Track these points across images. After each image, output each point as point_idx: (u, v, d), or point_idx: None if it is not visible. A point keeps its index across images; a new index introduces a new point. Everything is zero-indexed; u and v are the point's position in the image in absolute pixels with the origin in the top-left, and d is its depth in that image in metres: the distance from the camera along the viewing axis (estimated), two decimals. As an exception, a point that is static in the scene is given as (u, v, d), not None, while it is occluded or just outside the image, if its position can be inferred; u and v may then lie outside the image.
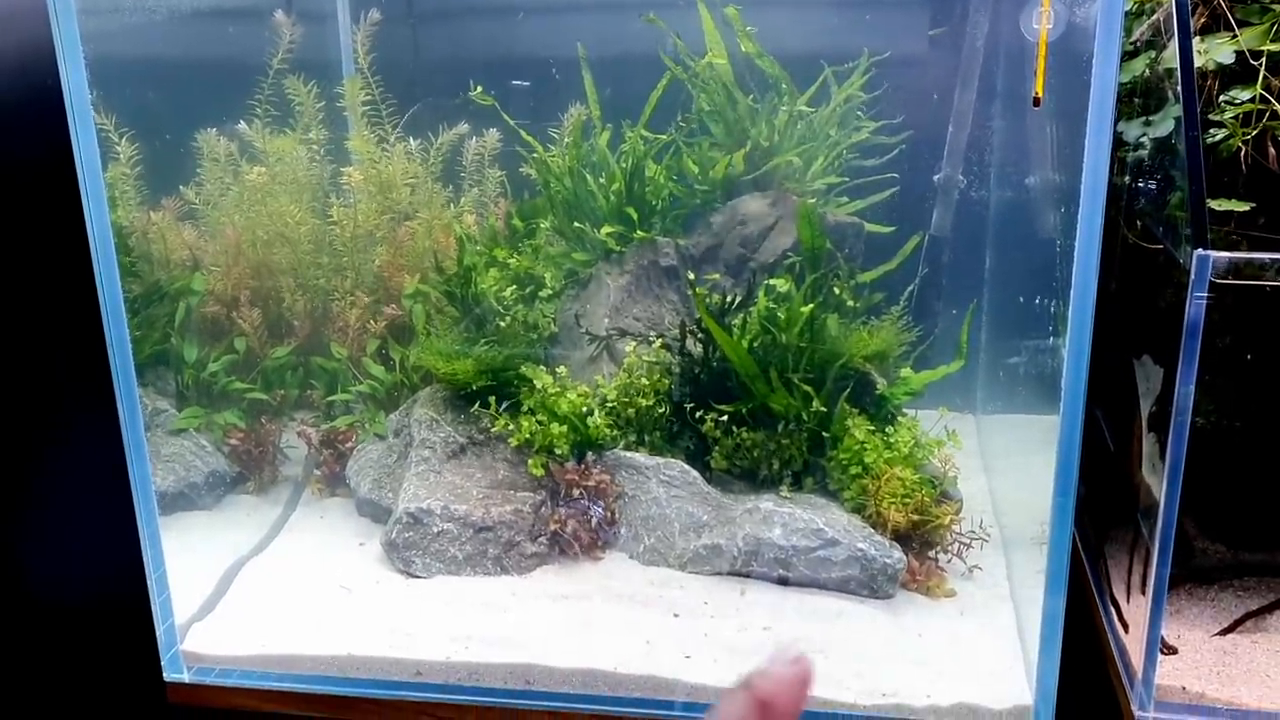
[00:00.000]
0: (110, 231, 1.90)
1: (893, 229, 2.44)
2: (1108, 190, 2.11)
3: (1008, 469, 2.37)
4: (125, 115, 2.36)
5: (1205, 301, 1.64)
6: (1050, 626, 1.77)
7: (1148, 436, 1.94)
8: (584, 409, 2.23)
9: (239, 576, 2.22)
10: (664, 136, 2.48)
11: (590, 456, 2.23)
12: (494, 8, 2.61)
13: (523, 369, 2.29)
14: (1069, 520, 1.73)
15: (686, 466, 2.19)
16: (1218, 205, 1.90)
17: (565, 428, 2.21)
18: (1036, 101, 1.68)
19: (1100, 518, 2.16)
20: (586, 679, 1.92)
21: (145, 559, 2.04)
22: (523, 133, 2.47)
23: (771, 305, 2.23)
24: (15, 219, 2.09)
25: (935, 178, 2.46)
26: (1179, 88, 1.77)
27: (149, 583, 2.04)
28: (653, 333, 2.33)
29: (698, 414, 2.23)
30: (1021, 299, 2.15)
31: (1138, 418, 1.99)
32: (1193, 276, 1.63)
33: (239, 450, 2.48)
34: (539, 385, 2.25)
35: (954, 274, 2.48)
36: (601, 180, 2.44)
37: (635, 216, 2.41)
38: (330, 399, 2.54)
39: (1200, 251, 1.62)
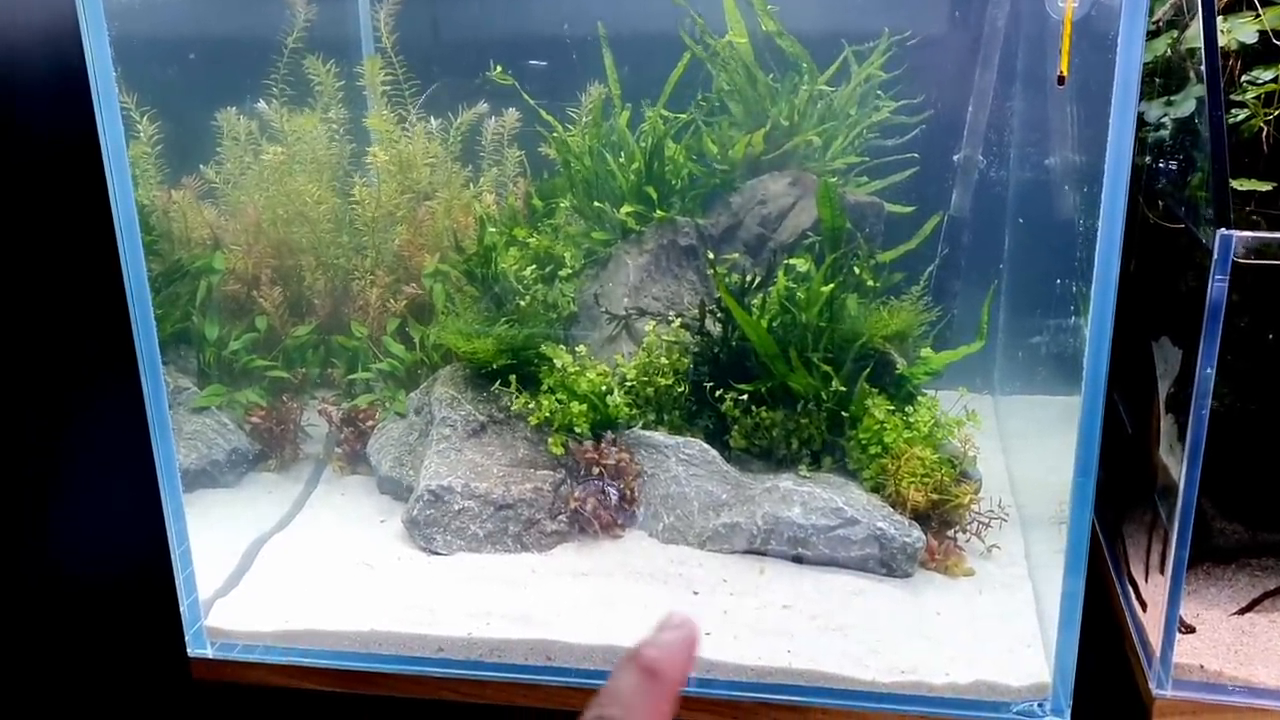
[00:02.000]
0: (135, 210, 1.92)
1: (913, 209, 2.45)
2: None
3: (1026, 449, 2.38)
4: (147, 94, 2.37)
5: (1227, 282, 1.64)
6: (1069, 605, 1.78)
7: (1166, 417, 1.95)
8: (603, 388, 2.24)
9: (261, 553, 2.24)
10: (684, 116, 2.49)
11: (610, 435, 2.24)
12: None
13: (543, 348, 2.30)
14: (1089, 500, 1.73)
15: (705, 445, 2.20)
16: (1239, 185, 1.89)
17: (585, 406, 2.22)
18: (1061, 80, 1.68)
19: (1118, 498, 2.16)
20: (607, 655, 1.93)
21: (169, 536, 2.05)
22: (542, 112, 2.48)
23: (791, 285, 2.24)
24: (40, 197, 2.11)
25: (955, 158, 2.46)
26: (1202, 67, 1.76)
27: (173, 559, 2.06)
28: (672, 312, 2.34)
29: (717, 393, 2.24)
30: (1041, 280, 2.15)
31: (1156, 399, 1.99)
32: (1215, 257, 1.63)
33: (260, 428, 2.50)
34: (559, 364, 2.27)
35: (974, 254, 2.49)
36: (621, 160, 2.45)
37: (655, 196, 2.41)
38: (351, 377, 2.55)
39: (1223, 231, 1.62)
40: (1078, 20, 1.71)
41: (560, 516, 2.21)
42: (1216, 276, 1.64)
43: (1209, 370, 1.67)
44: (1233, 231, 1.63)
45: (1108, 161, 1.59)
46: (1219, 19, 2.00)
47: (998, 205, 2.46)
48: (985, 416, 2.50)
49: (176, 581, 2.06)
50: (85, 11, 1.79)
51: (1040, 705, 1.83)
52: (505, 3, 2.63)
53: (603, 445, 2.22)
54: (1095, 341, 1.68)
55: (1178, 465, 1.75)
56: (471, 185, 2.61)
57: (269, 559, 2.22)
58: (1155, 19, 2.15)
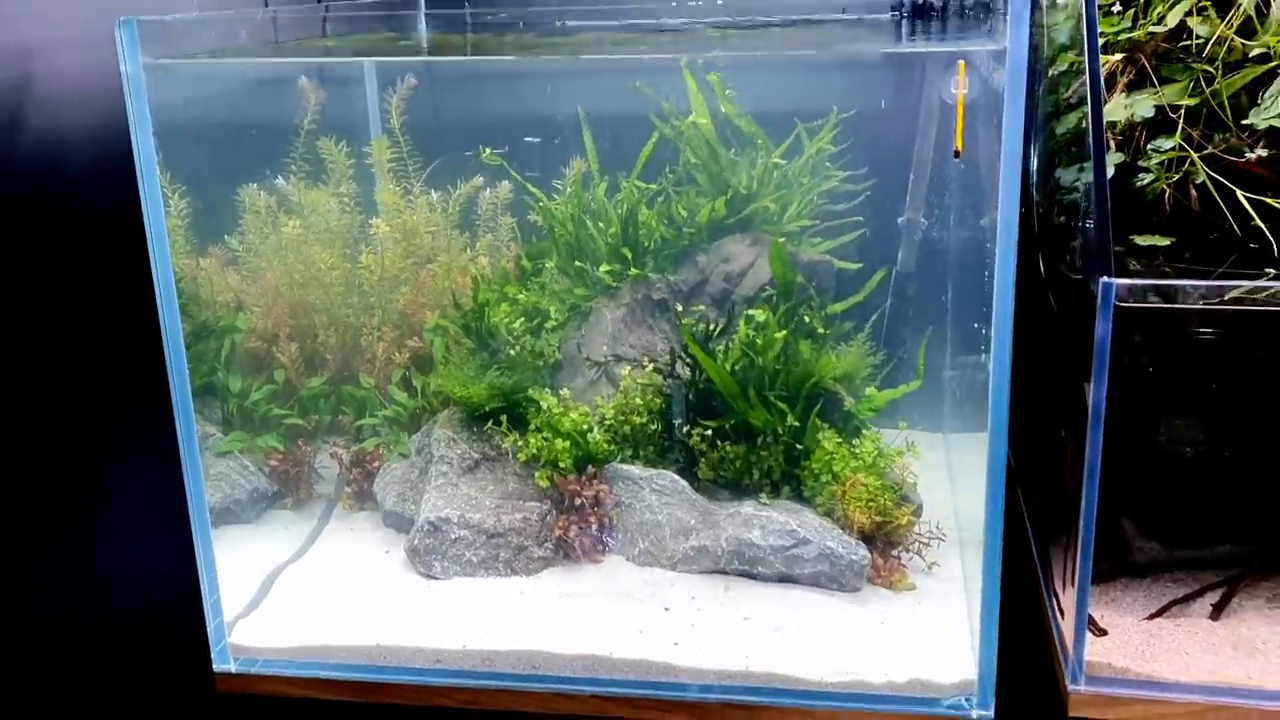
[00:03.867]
0: (173, 277, 2.12)
1: (860, 266, 2.70)
2: (1050, 230, 2.34)
3: (967, 481, 2.59)
4: (178, 173, 2.62)
5: (1111, 323, 1.88)
6: (988, 611, 1.98)
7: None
8: (585, 427, 2.44)
9: (279, 580, 2.42)
10: (654, 186, 2.73)
11: (590, 469, 2.43)
12: (503, 74, 2.92)
13: (530, 392, 2.50)
14: (999, 518, 1.94)
15: (676, 477, 2.40)
16: (1141, 240, 2.13)
17: (568, 444, 2.42)
18: (957, 154, 1.95)
19: (1049, 525, 2.38)
20: (586, 664, 2.12)
21: (199, 565, 2.23)
22: (529, 186, 2.74)
23: (751, 333, 2.47)
24: (89, 266, 2.37)
25: (899, 220, 2.72)
26: (1092, 135, 2.00)
27: (201, 585, 2.23)
28: (646, 358, 2.54)
29: (686, 430, 2.46)
30: (973, 328, 2.38)
31: (1081, 438, 2.21)
32: (1099, 301, 1.87)
33: (278, 470, 2.70)
34: (545, 406, 2.47)
35: (918, 306, 2.73)
36: (600, 225, 2.67)
37: (630, 256, 2.64)
38: (359, 423, 2.75)
39: (1105, 279, 1.87)
40: (984, 99, 1.98)
41: (546, 543, 2.42)
42: (1101, 317, 1.87)
43: (1100, 409, 1.88)
44: (1113, 279, 1.87)
45: (999, 226, 1.82)
46: (1123, 95, 2.26)
47: (939, 261, 2.71)
48: (936, 451, 2.74)
49: (204, 605, 2.24)
50: (133, 108, 2.04)
51: (967, 700, 2.03)
52: (499, 89, 2.91)
53: (584, 478, 2.45)
54: (997, 381, 1.90)
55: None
56: (468, 250, 2.84)
57: (286, 585, 2.41)
58: (1068, 95, 2.40)
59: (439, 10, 2.81)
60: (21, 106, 2.18)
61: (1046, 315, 2.35)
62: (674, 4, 2.53)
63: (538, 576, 2.41)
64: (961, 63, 1.87)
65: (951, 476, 2.71)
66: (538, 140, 2.82)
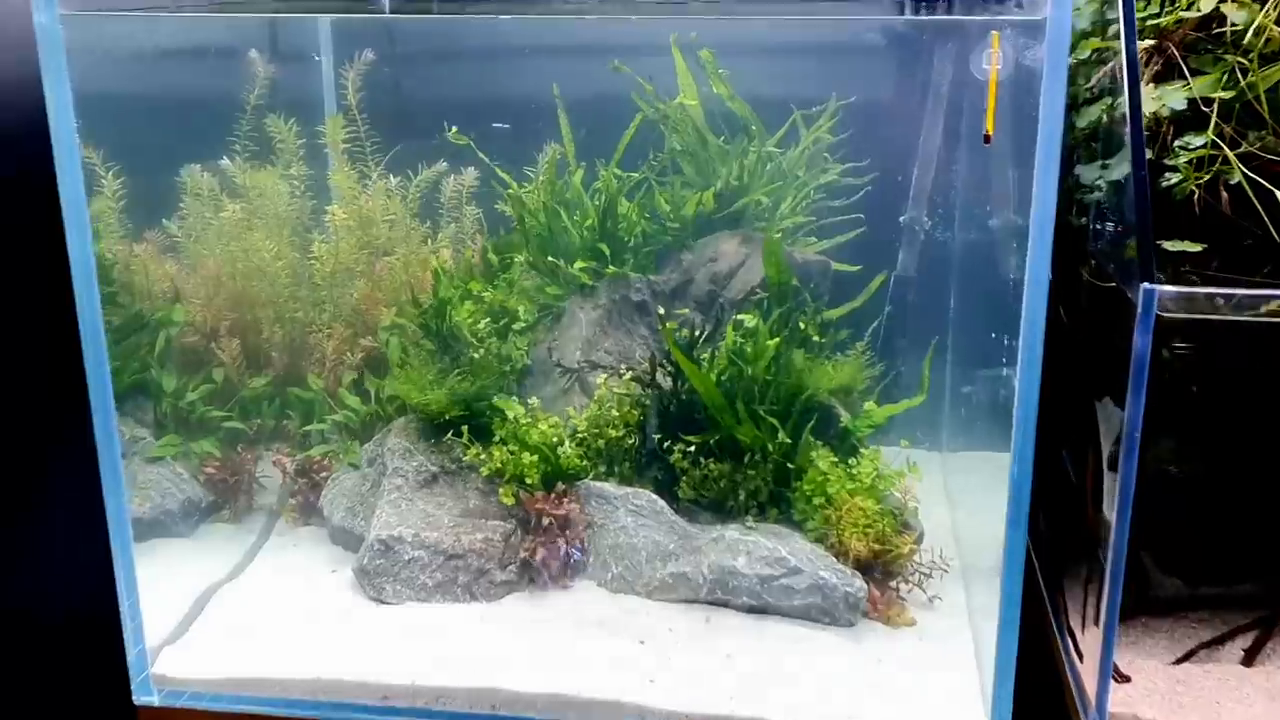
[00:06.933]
0: (92, 261, 1.93)
1: (859, 268, 2.52)
2: (1067, 231, 2.18)
3: (970, 504, 2.43)
4: (113, 150, 2.42)
5: (1151, 333, 1.71)
6: (1003, 659, 1.83)
7: (1108, 475, 2.00)
8: (554, 439, 2.29)
9: (212, 602, 2.26)
10: (636, 175, 2.58)
11: (560, 486, 2.28)
12: (473, 51, 2.72)
13: (495, 400, 2.36)
14: (1020, 552, 1.79)
15: (654, 496, 2.25)
16: (1171, 246, 1.97)
17: (536, 458, 2.27)
18: (987, 139, 1.76)
19: (1061, 553, 2.22)
20: (552, 703, 1.96)
21: (119, 586, 2.07)
22: (497, 169, 2.55)
23: (740, 340, 2.29)
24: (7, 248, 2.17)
25: (901, 219, 2.55)
26: (1131, 130, 1.84)
27: (121, 609, 2.07)
28: (623, 366, 2.40)
29: (666, 445, 2.29)
30: (982, 338, 2.22)
31: (1099, 457, 2.05)
32: (1139, 310, 1.70)
33: (215, 479, 2.53)
34: (511, 416, 2.32)
35: (920, 313, 2.56)
36: (575, 216, 2.53)
37: (608, 252, 2.49)
38: (306, 429, 2.59)
39: (1146, 285, 1.69)
40: (1007, 88, 1.80)
41: (510, 567, 2.25)
42: (1141, 328, 1.70)
43: (1137, 418, 1.73)
44: (1155, 286, 1.70)
45: (1033, 221, 1.67)
46: (1150, 86, 2.10)
47: (943, 265, 2.54)
48: (933, 472, 2.57)
49: (124, 631, 2.08)
50: (47, 65, 1.83)
51: (976, 753, 1.87)
52: (467, 66, 2.72)
53: (553, 496, 2.26)
54: (1024, 394, 1.74)
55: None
56: (430, 241, 2.66)
57: (219, 607, 2.24)
58: (1090, 85, 2.24)
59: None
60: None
61: (1059, 325, 2.21)
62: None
63: (500, 603, 2.24)
64: (995, 33, 1.67)
65: (950, 498, 2.55)
66: (506, 126, 2.62)
